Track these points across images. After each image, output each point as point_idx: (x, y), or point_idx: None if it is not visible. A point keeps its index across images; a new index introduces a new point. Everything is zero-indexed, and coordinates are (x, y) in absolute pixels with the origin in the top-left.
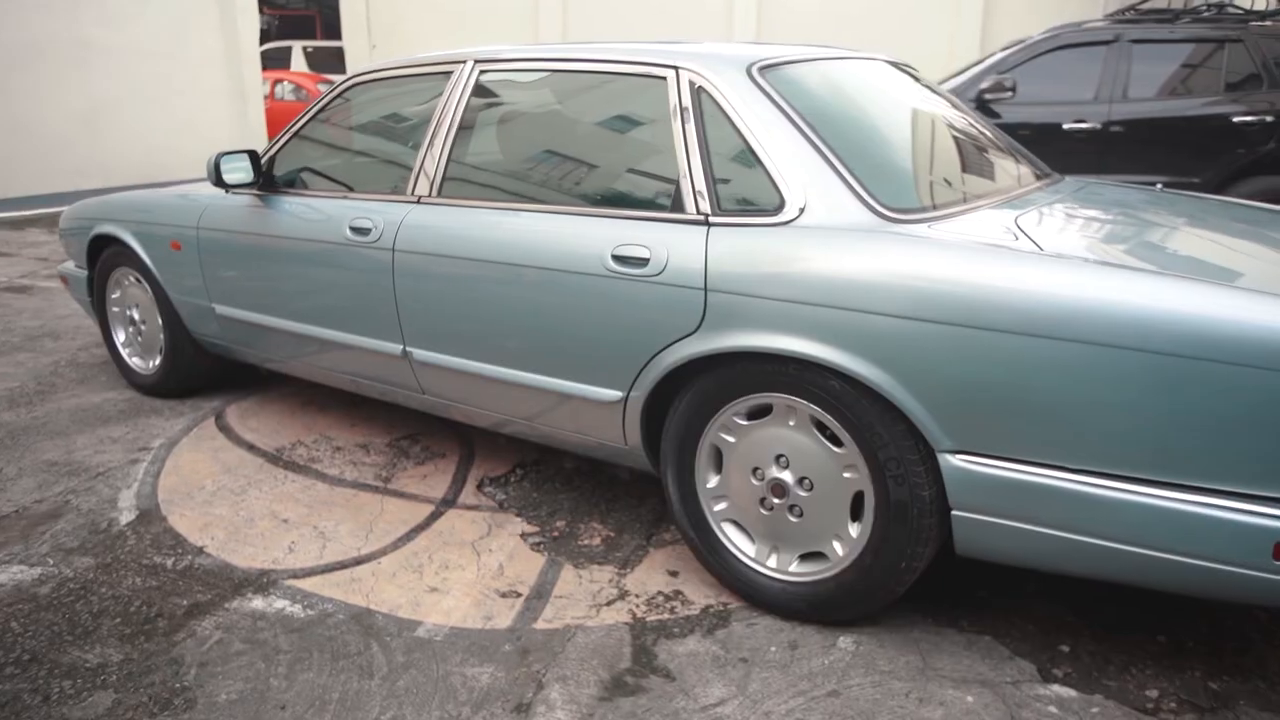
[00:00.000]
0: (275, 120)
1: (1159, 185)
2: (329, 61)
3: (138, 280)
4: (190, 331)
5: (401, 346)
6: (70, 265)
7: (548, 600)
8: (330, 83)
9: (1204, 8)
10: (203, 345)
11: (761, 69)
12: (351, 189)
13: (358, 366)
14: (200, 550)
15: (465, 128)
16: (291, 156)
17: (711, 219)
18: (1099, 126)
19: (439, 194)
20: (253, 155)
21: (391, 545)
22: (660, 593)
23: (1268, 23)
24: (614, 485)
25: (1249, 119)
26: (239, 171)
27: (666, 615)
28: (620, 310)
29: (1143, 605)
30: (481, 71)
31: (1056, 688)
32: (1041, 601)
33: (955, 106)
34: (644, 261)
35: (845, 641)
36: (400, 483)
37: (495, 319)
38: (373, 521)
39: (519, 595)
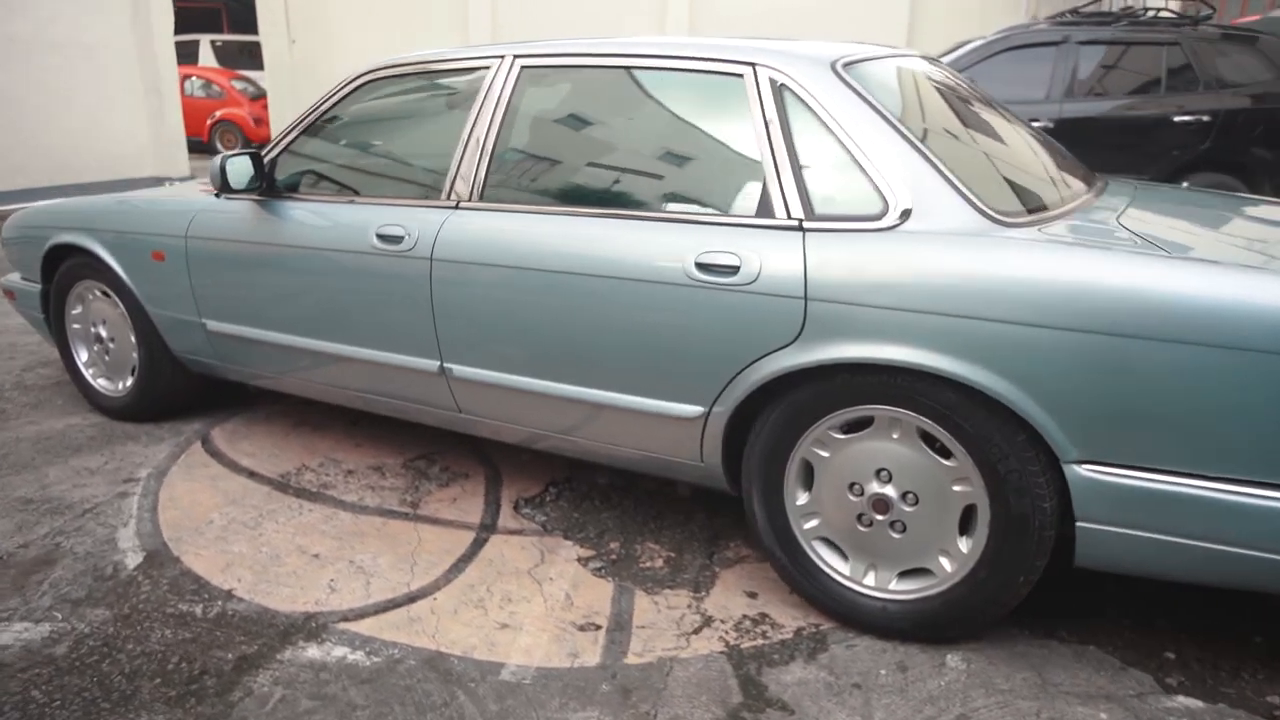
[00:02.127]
0: (186, 118)
1: (1185, 184)
2: (239, 57)
3: (106, 294)
4: (171, 349)
5: (438, 362)
6: (16, 278)
7: (630, 631)
8: (245, 79)
9: (1141, 11)
10: (184, 363)
11: (845, 66)
12: (370, 194)
13: (378, 384)
14: (229, 594)
15: (509, 127)
16: (295, 158)
17: (806, 224)
18: (1052, 125)
19: (481, 198)
20: (255, 157)
21: (442, 578)
22: (745, 616)
23: (1199, 28)
24: (655, 500)
25: (1188, 118)
26: (240, 175)
27: (760, 641)
28: (705, 321)
29: (1226, 606)
30: (524, 67)
31: (1181, 699)
32: (1124, 604)
33: (1003, 108)
34: (732, 270)
35: (954, 660)
36: (430, 508)
37: (555, 332)
38: (413, 552)
39: (598, 627)
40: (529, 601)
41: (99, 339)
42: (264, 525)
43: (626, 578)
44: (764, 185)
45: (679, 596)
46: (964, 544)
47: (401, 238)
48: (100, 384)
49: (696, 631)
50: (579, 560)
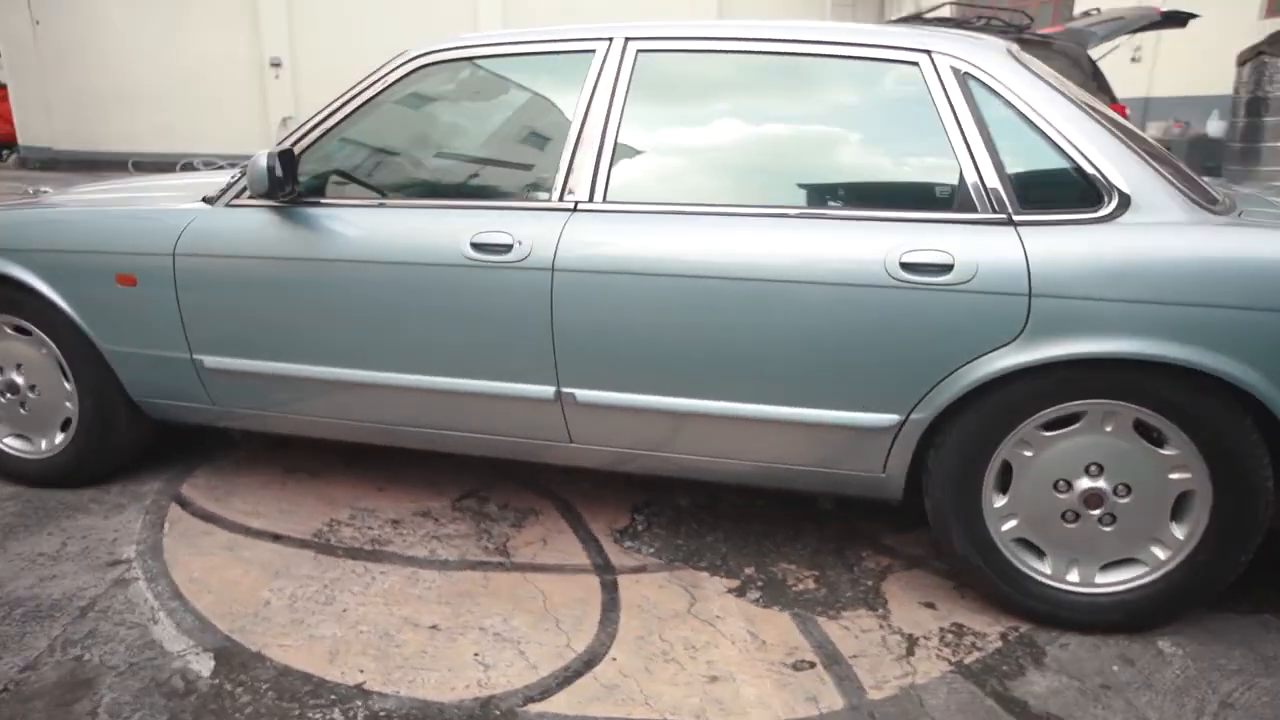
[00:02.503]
0: None
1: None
2: None
3: (19, 331)
4: (130, 394)
5: (554, 388)
6: None
7: (846, 664)
8: None
9: (979, 20)
10: (144, 410)
11: (1017, 51)
12: (447, 197)
13: (457, 417)
14: (362, 690)
15: (629, 119)
16: (324, 158)
17: (1016, 218)
18: None
19: (605, 199)
20: (286, 156)
21: (603, 633)
22: (943, 630)
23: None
24: (750, 518)
25: None
26: (261, 178)
27: (978, 654)
28: (912, 324)
29: None
30: (640, 51)
31: None
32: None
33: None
34: (945, 268)
35: (1167, 646)
36: (524, 553)
37: (711, 346)
38: (547, 609)
39: (812, 665)
40: (716, 647)
41: (10, 387)
42: (339, 599)
43: (793, 605)
44: (960, 178)
45: (861, 618)
46: (1178, 530)
47: (510, 246)
48: (10, 444)
49: (910, 654)
50: (730, 592)
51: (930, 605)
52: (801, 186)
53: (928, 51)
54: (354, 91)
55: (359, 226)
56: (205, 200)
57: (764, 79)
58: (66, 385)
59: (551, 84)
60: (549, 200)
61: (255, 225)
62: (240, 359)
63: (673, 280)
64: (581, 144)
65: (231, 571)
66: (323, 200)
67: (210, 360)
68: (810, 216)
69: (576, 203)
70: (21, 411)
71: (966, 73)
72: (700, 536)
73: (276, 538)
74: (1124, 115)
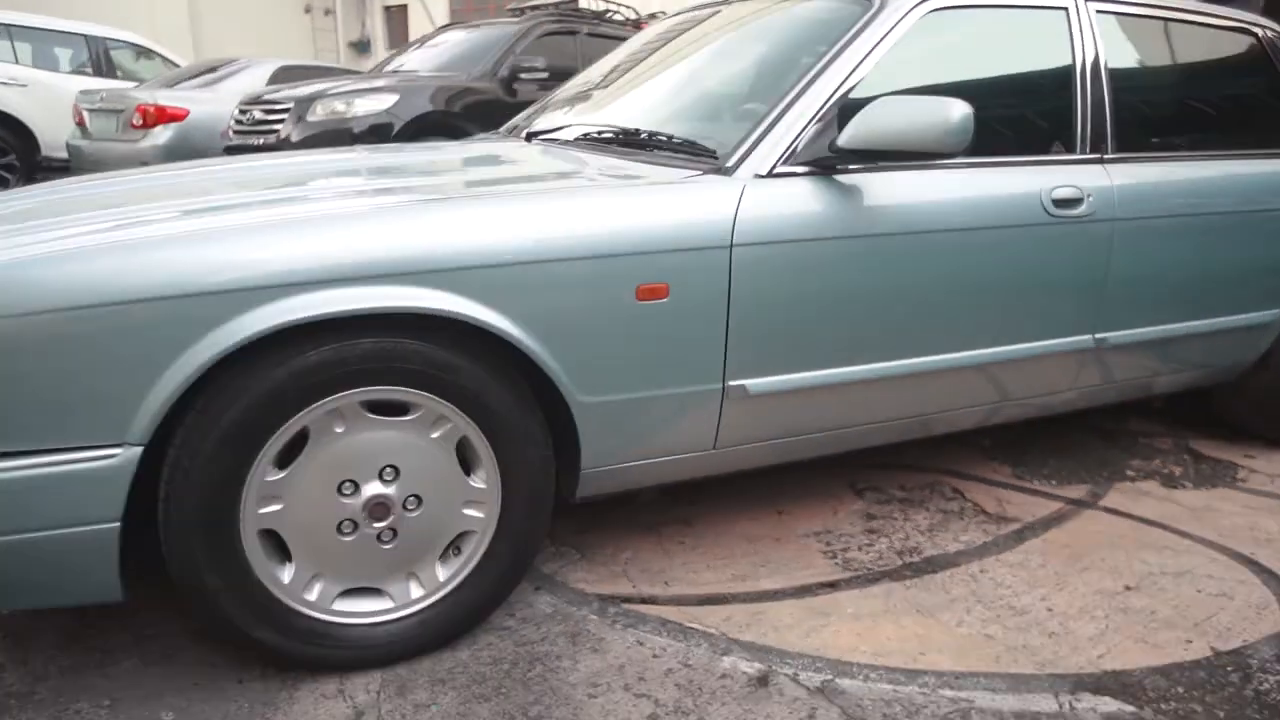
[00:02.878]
0: None
1: None
2: None
3: (383, 411)
4: (582, 466)
5: (1091, 335)
6: None
7: None
8: None
9: (604, 12)
10: (573, 491)
11: None
12: (994, 152)
13: (986, 389)
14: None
15: (1112, 75)
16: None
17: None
18: None
19: (1120, 150)
20: (847, 108)
21: None
22: None
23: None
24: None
25: None
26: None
27: None
28: None
29: None
30: (1098, 11)
31: None
32: None
33: None
34: None
35: None
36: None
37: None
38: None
39: None
40: None
41: (371, 512)
42: (1013, 601)
43: None
44: None
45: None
46: None
47: (1079, 200)
48: (339, 612)
49: None
50: None
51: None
52: None
53: None
54: (874, 35)
55: (923, 191)
56: (718, 170)
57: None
58: (474, 483)
59: (1036, 38)
60: (1075, 152)
61: (819, 199)
62: (789, 374)
63: (1205, 219)
64: (1087, 96)
65: (883, 629)
66: (874, 166)
67: (754, 383)
68: None
69: (1102, 155)
70: (383, 548)
71: None
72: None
73: (832, 585)
74: None
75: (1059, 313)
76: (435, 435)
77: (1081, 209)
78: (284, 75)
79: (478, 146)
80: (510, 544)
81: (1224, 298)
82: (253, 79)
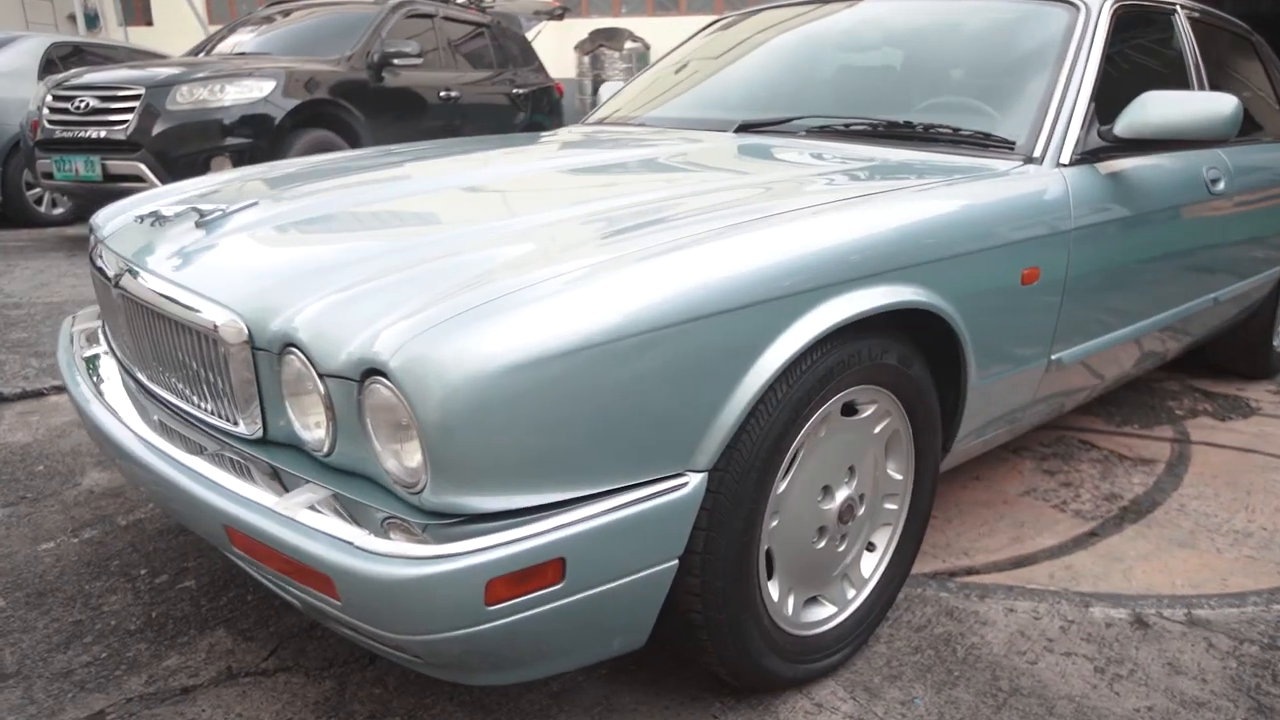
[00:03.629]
0: None
1: None
2: None
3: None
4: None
5: (1213, 295)
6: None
7: None
8: None
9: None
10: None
11: None
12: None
13: (1175, 340)
14: None
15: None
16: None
17: None
18: (457, 95)
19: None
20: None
21: None
22: None
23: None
24: None
25: (519, 91)
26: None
27: None
28: None
29: None
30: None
31: None
32: None
33: None
34: None
35: None
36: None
37: None
38: None
39: None
40: None
41: (841, 514)
42: None
43: None
44: None
45: None
46: None
47: (1219, 180)
48: (806, 622)
49: None
50: None
51: None
52: None
53: None
54: (1084, 41)
55: (1153, 174)
56: (1027, 159)
57: None
58: (893, 475)
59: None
60: None
61: (1104, 183)
62: (1083, 344)
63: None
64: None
65: (1172, 564)
66: (1126, 153)
67: (1064, 354)
68: None
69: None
70: (837, 550)
71: None
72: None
73: (1094, 535)
74: (561, 92)
75: (1210, 273)
76: (876, 431)
77: (1220, 187)
78: (60, 54)
79: (719, 142)
80: (913, 533)
81: (1262, 258)
82: (16, 59)
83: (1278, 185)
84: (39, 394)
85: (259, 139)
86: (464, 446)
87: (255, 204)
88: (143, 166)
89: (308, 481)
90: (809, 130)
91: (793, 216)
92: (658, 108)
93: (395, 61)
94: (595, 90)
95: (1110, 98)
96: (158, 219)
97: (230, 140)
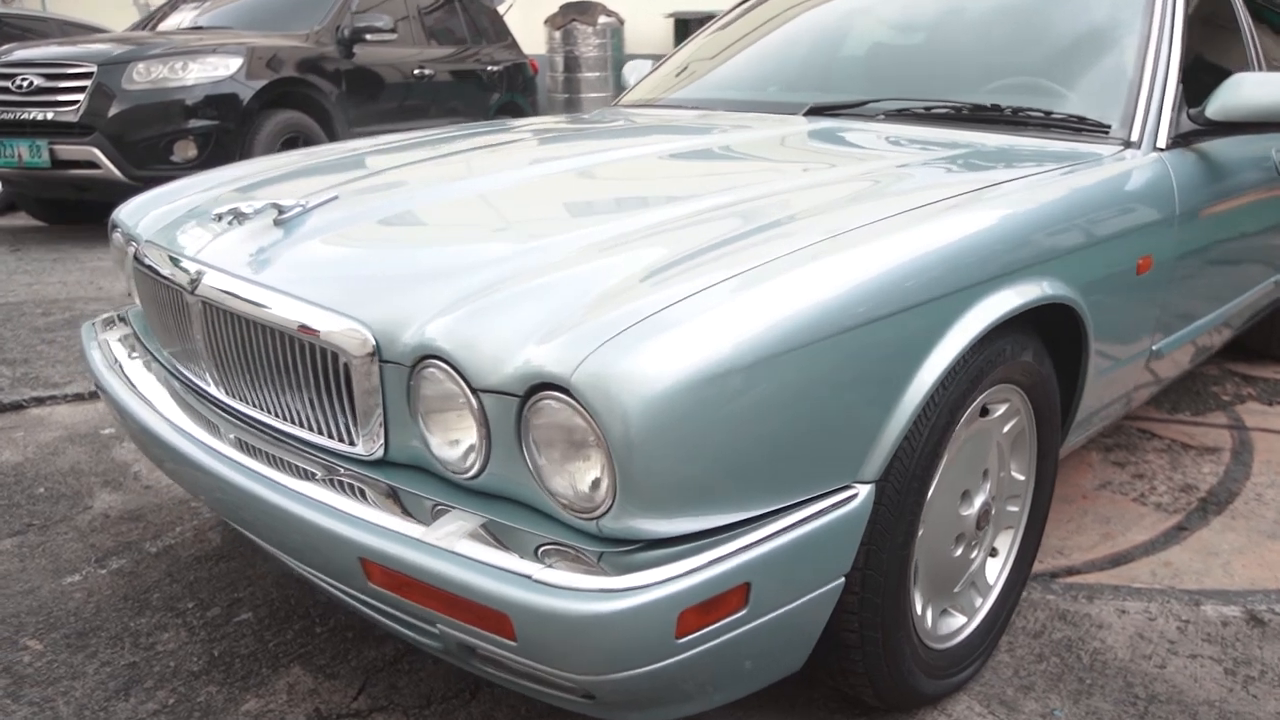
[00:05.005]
0: None
1: None
2: None
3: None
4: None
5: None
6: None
7: None
8: None
9: None
10: None
11: None
12: None
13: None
14: None
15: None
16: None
17: None
18: (431, 72)
19: None
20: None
21: None
22: None
23: None
24: None
25: (492, 68)
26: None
27: None
28: None
29: None
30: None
31: None
32: None
33: None
34: None
35: None
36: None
37: None
38: None
39: None
40: None
41: (979, 518)
42: None
43: None
44: None
45: None
46: None
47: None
48: (938, 637)
49: None
50: None
51: None
52: None
53: None
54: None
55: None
56: (1125, 144)
57: None
58: (1016, 475)
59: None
60: None
61: (1199, 166)
62: (1177, 333)
63: None
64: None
65: (1269, 557)
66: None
67: (1163, 343)
68: None
69: None
70: (969, 557)
71: None
72: None
73: (1182, 528)
74: (535, 69)
75: (1273, 257)
76: (1005, 431)
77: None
78: None
79: (794, 126)
80: (1033, 536)
81: None
82: None
83: None
84: (18, 407)
85: (225, 121)
86: (653, 466)
87: (335, 199)
88: (97, 152)
89: (451, 508)
90: (886, 114)
91: (935, 212)
92: (707, 89)
93: (367, 37)
94: (567, 67)
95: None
96: (237, 216)
97: (194, 122)
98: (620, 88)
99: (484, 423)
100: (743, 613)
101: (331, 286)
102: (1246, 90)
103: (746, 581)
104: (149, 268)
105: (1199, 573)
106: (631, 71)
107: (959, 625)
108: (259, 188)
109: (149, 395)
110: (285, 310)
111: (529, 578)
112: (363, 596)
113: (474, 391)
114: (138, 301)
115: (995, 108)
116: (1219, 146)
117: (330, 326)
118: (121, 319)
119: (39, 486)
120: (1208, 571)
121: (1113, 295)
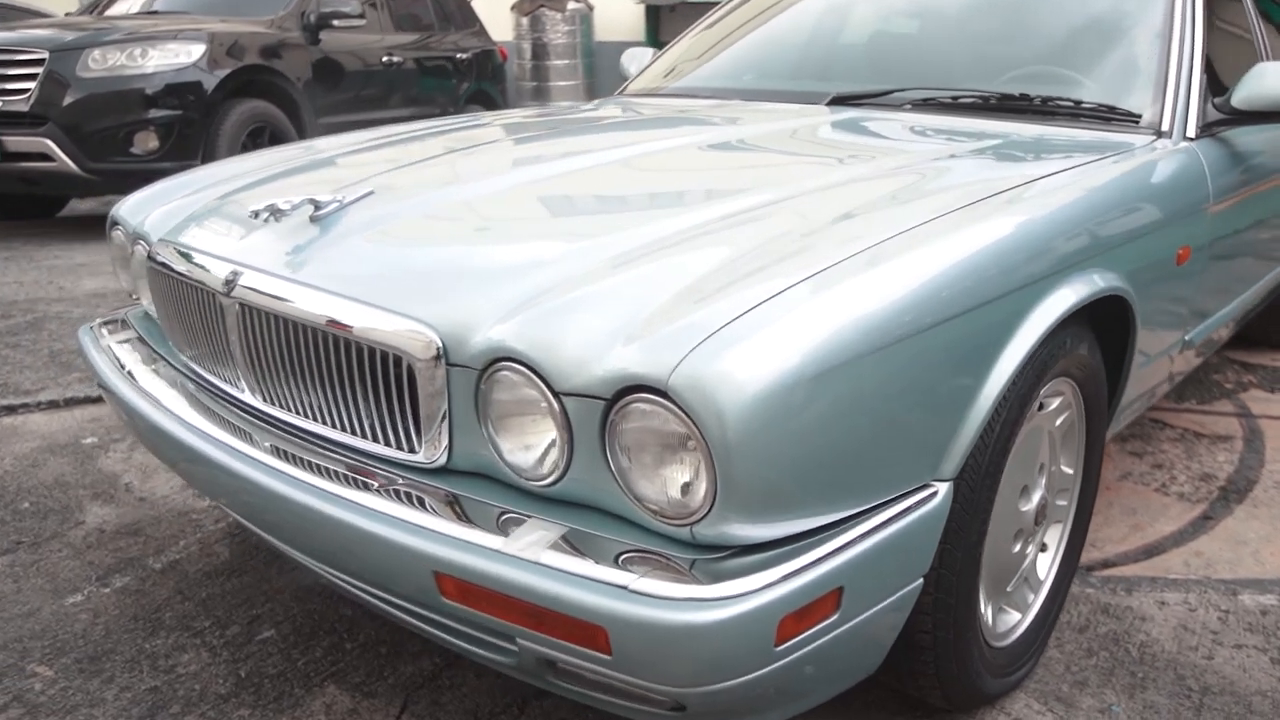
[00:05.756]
0: None
1: None
2: None
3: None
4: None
5: None
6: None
7: None
8: None
9: None
10: None
11: None
12: None
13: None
14: None
15: None
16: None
17: None
18: (400, 60)
19: None
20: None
21: None
22: None
23: None
24: None
25: (461, 56)
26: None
27: None
28: None
29: None
30: None
31: None
32: None
33: None
34: None
35: None
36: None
37: None
38: None
39: None
40: None
41: (1037, 513)
42: None
43: None
44: None
45: None
46: None
47: None
48: (995, 636)
49: None
50: None
51: None
52: None
53: None
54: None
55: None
56: (1156, 133)
57: None
58: (1065, 469)
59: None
60: None
61: (1226, 155)
62: (1206, 321)
63: None
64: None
65: None
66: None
67: (1193, 332)
68: None
69: None
70: (1025, 553)
71: None
72: None
73: (1208, 518)
74: (505, 57)
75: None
76: (1057, 424)
77: None
78: None
79: (821, 116)
80: (1080, 529)
81: None
82: None
83: None
84: None
85: (188, 110)
86: (752, 469)
87: (371, 194)
88: (50, 143)
89: (525, 516)
90: (913, 104)
91: (997, 205)
92: (719, 77)
93: (334, 22)
94: (535, 55)
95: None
96: (274, 213)
97: (155, 112)
98: (590, 76)
99: (566, 427)
100: (834, 618)
101: (386, 286)
102: (1271, 80)
103: (840, 586)
104: (169, 268)
105: (1231, 562)
106: (631, 59)
107: (1014, 622)
108: (275, 181)
109: (167, 399)
110: (338, 312)
111: (625, 588)
112: (424, 612)
113: (555, 395)
114: (146, 303)
115: (1025, 97)
116: (1240, 135)
117: (391, 328)
118: (124, 322)
119: (23, 501)
120: (1239, 561)
121: (1156, 285)
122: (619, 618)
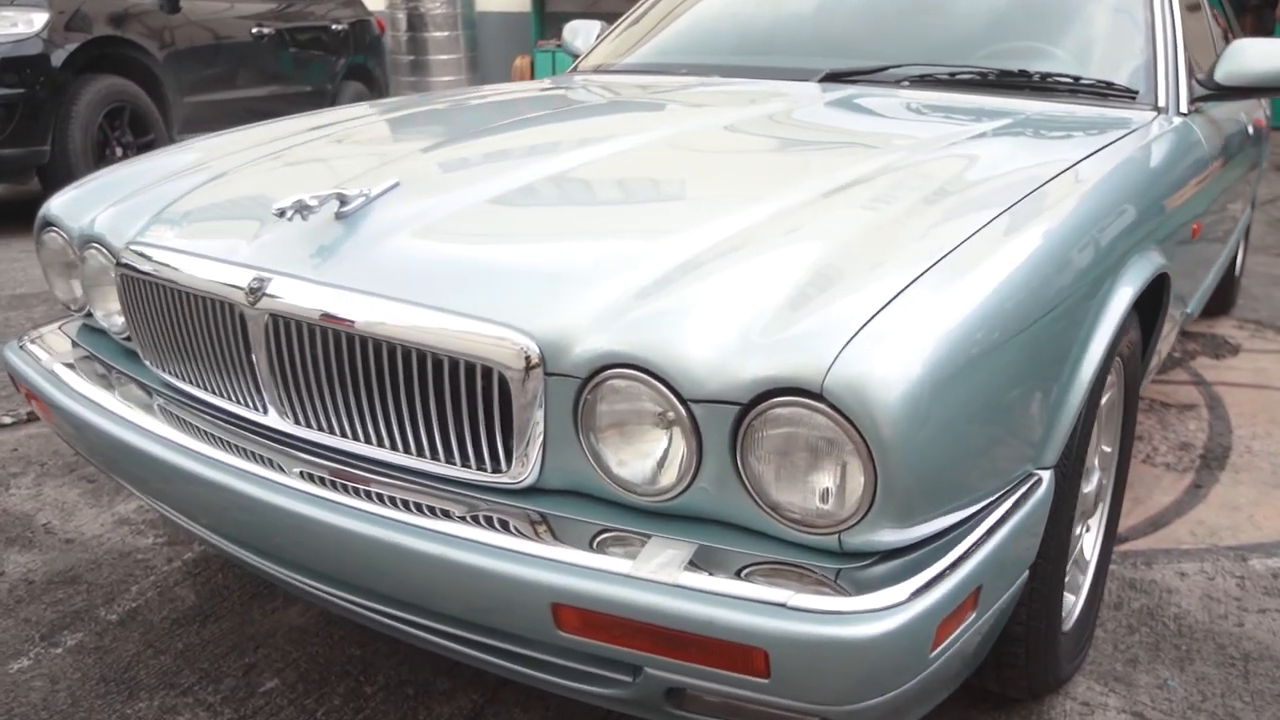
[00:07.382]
0: None
1: None
2: None
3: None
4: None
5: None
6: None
7: None
8: None
9: None
10: None
11: None
12: None
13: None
14: None
15: None
16: None
17: None
18: (272, 32)
19: None
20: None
21: None
22: None
23: None
24: None
25: (336, 27)
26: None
27: None
28: None
29: None
30: None
31: None
32: None
33: None
34: None
35: None
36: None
37: None
38: None
39: None
40: None
41: (1096, 500)
42: None
43: None
44: None
45: None
46: None
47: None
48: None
49: None
50: None
51: None
52: None
53: None
54: None
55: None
56: (1154, 109)
57: None
58: (1106, 448)
59: None
60: None
61: (1211, 128)
62: (1197, 292)
63: None
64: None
65: None
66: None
67: (1191, 305)
68: None
69: None
70: (1078, 534)
71: None
72: None
73: (1199, 486)
74: (382, 29)
75: (1240, 214)
76: (1103, 403)
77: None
78: None
79: (824, 94)
80: (1116, 508)
81: (1250, 192)
82: None
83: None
84: None
85: (33, 89)
86: (908, 471)
87: (397, 185)
88: None
89: (628, 533)
90: (910, 80)
91: (1068, 183)
92: (695, 53)
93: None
94: (411, 26)
95: None
96: (300, 210)
97: None
98: (472, 50)
99: (695, 435)
100: (973, 616)
101: (451, 290)
102: (1250, 57)
103: (980, 584)
104: (154, 276)
105: (1232, 528)
106: (575, 33)
107: (1070, 605)
108: (252, 171)
109: (156, 428)
110: (407, 321)
111: (784, 605)
112: (508, 646)
113: (683, 402)
114: (100, 316)
115: (1023, 73)
116: (1215, 109)
117: (478, 336)
118: (68, 337)
119: None
120: (1239, 527)
121: (1180, 260)
122: (780, 637)
